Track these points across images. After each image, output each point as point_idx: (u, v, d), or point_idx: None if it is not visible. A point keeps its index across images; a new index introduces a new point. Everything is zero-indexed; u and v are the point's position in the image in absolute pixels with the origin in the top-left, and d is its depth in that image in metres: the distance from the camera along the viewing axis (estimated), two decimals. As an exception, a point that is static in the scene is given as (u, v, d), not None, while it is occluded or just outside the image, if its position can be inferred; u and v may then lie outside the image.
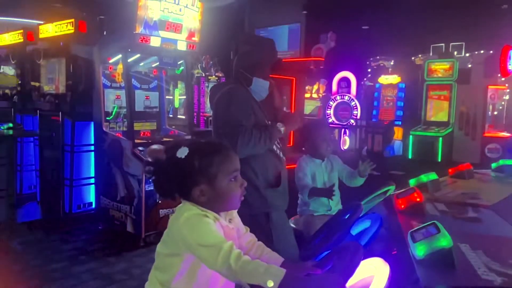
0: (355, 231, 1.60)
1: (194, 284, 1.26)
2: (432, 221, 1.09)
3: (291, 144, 6.58)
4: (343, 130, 9.05)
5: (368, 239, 1.40)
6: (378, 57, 9.30)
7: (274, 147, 2.18)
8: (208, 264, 1.17)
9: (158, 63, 4.76)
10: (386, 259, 1.11)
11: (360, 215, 1.67)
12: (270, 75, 2.25)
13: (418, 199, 1.48)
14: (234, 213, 1.37)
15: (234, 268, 1.09)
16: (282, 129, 2.13)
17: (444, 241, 0.99)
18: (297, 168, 2.56)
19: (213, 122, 2.25)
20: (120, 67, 4.44)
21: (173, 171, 1.26)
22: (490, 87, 7.94)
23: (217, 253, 1.12)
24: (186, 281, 1.26)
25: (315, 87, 9.83)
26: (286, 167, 2.30)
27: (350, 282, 1.09)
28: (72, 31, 4.45)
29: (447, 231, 1.02)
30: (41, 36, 4.90)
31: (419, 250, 1.01)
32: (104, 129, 4.26)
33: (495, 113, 8.11)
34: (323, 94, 9.69)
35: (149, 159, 1.36)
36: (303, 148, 2.65)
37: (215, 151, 1.29)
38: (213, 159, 1.26)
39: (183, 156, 1.25)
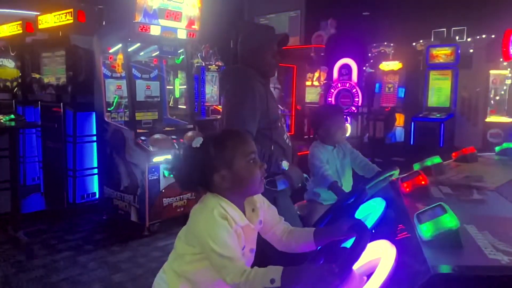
0: (360, 215, 1.61)
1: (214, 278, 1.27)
2: (439, 203, 1.09)
3: (293, 133, 6.58)
4: (344, 117, 9.00)
5: (373, 222, 1.41)
6: (379, 44, 9.23)
7: (285, 136, 2.23)
8: (217, 270, 1.20)
9: (158, 52, 4.75)
10: (392, 242, 1.11)
11: (365, 200, 1.67)
12: (278, 55, 2.28)
13: (423, 182, 1.48)
14: (259, 202, 1.37)
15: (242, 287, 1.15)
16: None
17: (451, 221, 0.99)
18: (310, 155, 2.50)
19: (221, 115, 2.27)
20: (120, 57, 4.42)
21: (191, 162, 1.27)
22: (492, 72, 7.88)
23: (229, 268, 1.16)
24: (209, 275, 1.27)
25: (316, 74, 9.77)
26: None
27: (357, 264, 1.10)
28: (71, 21, 4.42)
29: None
30: (40, 27, 4.87)
31: (426, 231, 1.01)
32: (106, 119, 4.26)
33: (497, 98, 8.06)
34: (324, 81, 9.64)
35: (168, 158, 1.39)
36: (310, 136, 2.63)
37: (229, 136, 1.32)
38: (228, 143, 1.27)
39: (198, 145, 1.27)
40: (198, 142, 1.28)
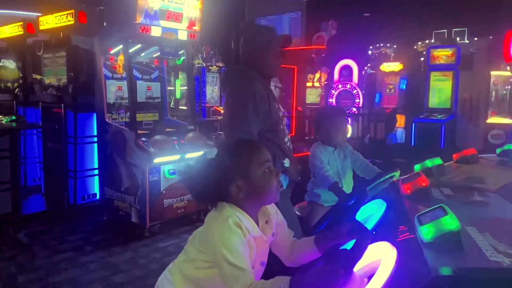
0: (360, 217, 1.60)
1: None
2: (439, 204, 1.09)
3: (293, 134, 6.58)
4: (346, 119, 8.98)
5: (374, 224, 1.41)
6: (379, 45, 9.24)
7: (286, 138, 2.23)
8: (224, 280, 1.18)
9: (159, 53, 4.75)
10: (393, 243, 1.11)
11: (365, 201, 1.67)
12: (280, 56, 2.29)
13: (424, 184, 1.48)
14: (272, 214, 1.36)
15: None
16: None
17: (452, 223, 0.99)
18: (311, 155, 2.50)
19: (223, 116, 2.28)
20: (121, 58, 4.42)
21: (207, 173, 1.26)
22: (493, 73, 7.87)
23: (239, 278, 1.13)
24: (217, 283, 1.25)
25: (317, 75, 9.78)
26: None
27: (358, 265, 1.09)
28: (72, 22, 4.43)
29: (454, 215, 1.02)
30: (41, 28, 4.88)
31: (427, 233, 1.01)
32: (106, 120, 4.26)
33: (499, 98, 8.05)
34: (325, 82, 9.64)
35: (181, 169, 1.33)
36: (311, 136, 2.63)
37: (243, 145, 1.31)
38: (243, 153, 1.27)
39: (213, 156, 1.27)
40: (212, 153, 1.27)
